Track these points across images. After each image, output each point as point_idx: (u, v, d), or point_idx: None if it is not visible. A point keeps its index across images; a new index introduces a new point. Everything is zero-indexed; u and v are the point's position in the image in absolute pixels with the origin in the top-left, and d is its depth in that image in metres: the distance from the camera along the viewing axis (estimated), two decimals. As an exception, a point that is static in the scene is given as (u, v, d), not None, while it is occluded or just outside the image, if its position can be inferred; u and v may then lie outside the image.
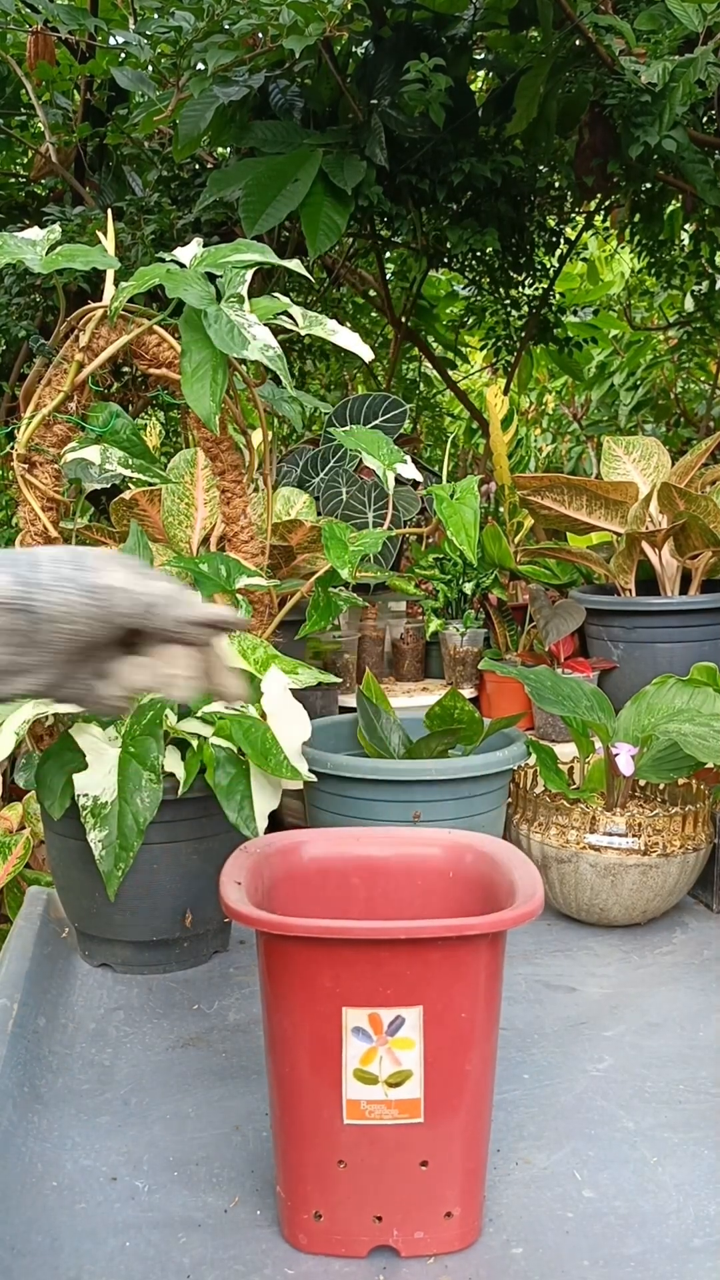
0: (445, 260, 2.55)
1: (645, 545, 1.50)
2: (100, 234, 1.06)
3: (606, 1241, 0.61)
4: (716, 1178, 0.67)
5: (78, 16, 1.77)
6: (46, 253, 0.96)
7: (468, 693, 1.57)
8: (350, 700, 1.43)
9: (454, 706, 1.08)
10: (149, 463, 1.00)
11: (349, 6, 1.71)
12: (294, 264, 1.05)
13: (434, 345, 3.00)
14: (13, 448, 1.01)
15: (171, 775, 0.90)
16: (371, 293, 2.84)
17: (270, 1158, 0.64)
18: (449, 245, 2.24)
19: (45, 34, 1.94)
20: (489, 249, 2.30)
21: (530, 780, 1.12)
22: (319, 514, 1.56)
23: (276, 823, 1.01)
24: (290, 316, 1.02)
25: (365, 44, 2.02)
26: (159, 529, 1.24)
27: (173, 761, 0.91)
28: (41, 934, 0.97)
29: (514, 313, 2.69)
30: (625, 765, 1.03)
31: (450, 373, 3.04)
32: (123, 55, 1.96)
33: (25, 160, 2.48)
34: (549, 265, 2.59)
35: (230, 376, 0.97)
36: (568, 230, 2.59)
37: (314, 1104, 0.59)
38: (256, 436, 1.16)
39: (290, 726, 0.93)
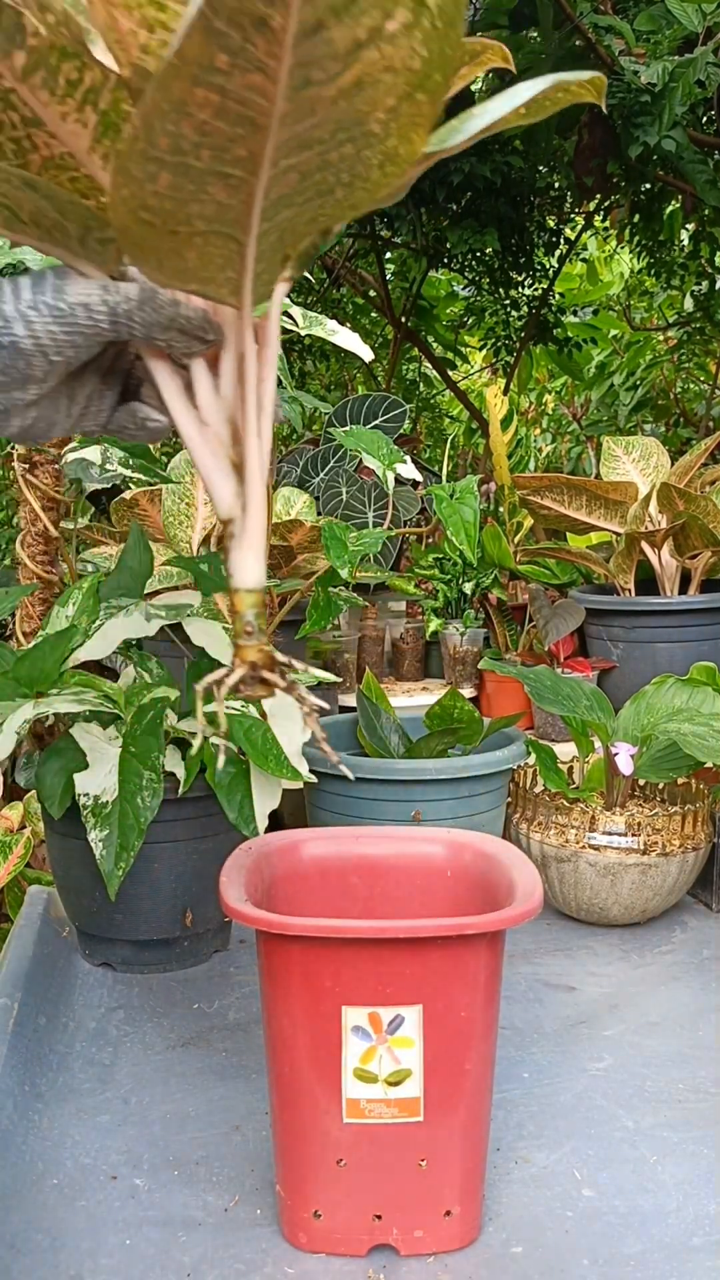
0: (445, 260, 2.55)
1: (645, 545, 1.50)
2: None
3: (606, 1240, 0.61)
4: (716, 1176, 0.67)
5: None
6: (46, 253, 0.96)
7: (467, 692, 1.57)
8: (350, 700, 1.43)
9: (454, 706, 1.09)
10: (149, 463, 1.00)
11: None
12: (294, 264, 1.05)
13: (434, 345, 3.00)
14: (13, 448, 1.02)
15: (172, 775, 0.90)
16: (371, 293, 2.84)
17: (270, 1157, 0.64)
18: (449, 245, 2.25)
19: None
20: (489, 249, 2.31)
21: (530, 780, 1.13)
22: (319, 514, 1.56)
23: (277, 822, 1.01)
24: (290, 316, 1.02)
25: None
26: (159, 529, 1.24)
27: (173, 761, 0.91)
28: (42, 933, 0.97)
29: (514, 313, 2.69)
30: (625, 765, 1.03)
31: (450, 373, 3.04)
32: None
33: (25, 160, 2.48)
34: (549, 265, 2.60)
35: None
36: (567, 230, 2.59)
37: (314, 1103, 0.59)
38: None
39: (290, 726, 0.93)
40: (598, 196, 2.28)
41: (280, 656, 0.58)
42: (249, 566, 0.57)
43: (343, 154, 0.44)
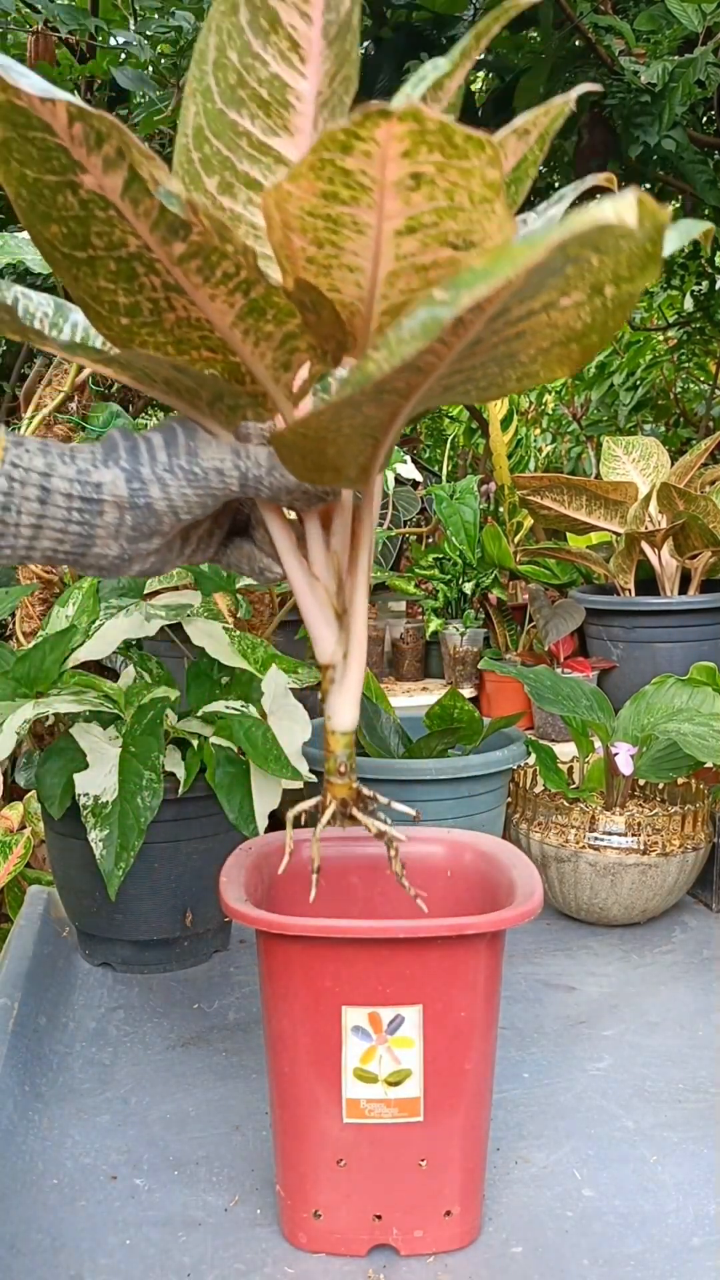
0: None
1: (645, 545, 1.50)
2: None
3: (606, 1240, 0.61)
4: (716, 1177, 0.67)
5: (78, 17, 1.77)
6: (46, 253, 0.96)
7: (467, 692, 1.57)
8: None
9: (454, 706, 1.09)
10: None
11: (349, 6, 1.71)
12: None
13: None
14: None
15: (172, 775, 0.90)
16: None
17: (270, 1157, 0.64)
18: (449, 245, 2.24)
19: (46, 34, 1.94)
20: (489, 249, 2.30)
21: (530, 780, 1.13)
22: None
23: (277, 822, 1.01)
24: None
25: (365, 44, 2.02)
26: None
27: (173, 761, 0.91)
28: (42, 933, 0.97)
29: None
30: (625, 765, 1.03)
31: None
32: (123, 55, 1.96)
33: (25, 160, 2.48)
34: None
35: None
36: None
37: (313, 1103, 0.59)
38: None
39: (290, 726, 0.93)
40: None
41: (365, 791, 0.60)
42: (345, 712, 0.60)
43: (487, 372, 0.48)
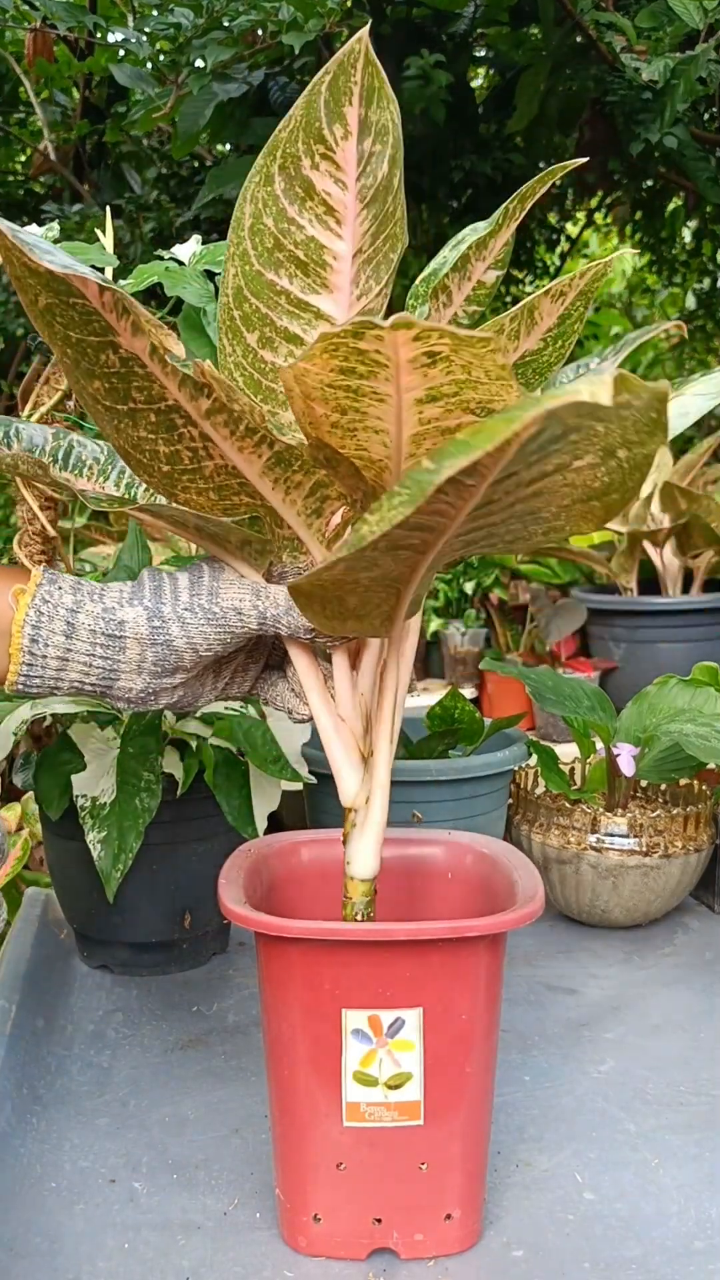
0: (446, 258, 2.54)
1: (647, 544, 1.50)
2: (99, 231, 1.06)
3: (607, 1244, 0.61)
4: (718, 1180, 0.67)
5: (76, 13, 1.76)
6: (45, 251, 0.96)
7: (468, 693, 1.57)
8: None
9: (454, 706, 1.08)
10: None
11: (348, 3, 1.71)
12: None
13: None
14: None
15: (170, 776, 0.90)
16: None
17: (269, 1160, 0.64)
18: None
19: (44, 31, 1.94)
20: (489, 247, 2.30)
21: (531, 781, 1.12)
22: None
23: (276, 824, 1.01)
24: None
25: (365, 41, 2.01)
26: (157, 528, 1.23)
27: (172, 762, 0.91)
28: (40, 935, 0.97)
29: (514, 311, 2.69)
30: (627, 766, 1.02)
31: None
32: (121, 52, 1.96)
33: (24, 158, 2.48)
34: (550, 263, 2.59)
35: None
36: (569, 227, 2.58)
37: (313, 1106, 0.59)
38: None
39: (290, 727, 0.93)
40: (599, 194, 2.28)
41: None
42: (366, 858, 0.60)
43: (510, 529, 0.49)
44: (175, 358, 0.47)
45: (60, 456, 0.62)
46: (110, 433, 0.53)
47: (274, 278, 0.53)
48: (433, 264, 0.59)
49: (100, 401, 0.51)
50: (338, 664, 0.59)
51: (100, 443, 0.64)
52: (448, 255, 0.56)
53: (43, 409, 1.00)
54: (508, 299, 2.64)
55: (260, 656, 0.63)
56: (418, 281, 0.60)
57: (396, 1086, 0.58)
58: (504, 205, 0.54)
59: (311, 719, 0.60)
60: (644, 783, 1.11)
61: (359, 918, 0.60)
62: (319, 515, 0.56)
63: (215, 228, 2.05)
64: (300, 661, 0.59)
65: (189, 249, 1.01)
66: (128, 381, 0.49)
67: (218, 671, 0.61)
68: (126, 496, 0.62)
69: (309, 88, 0.49)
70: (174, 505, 0.56)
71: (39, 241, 0.45)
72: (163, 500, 0.61)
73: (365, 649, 0.60)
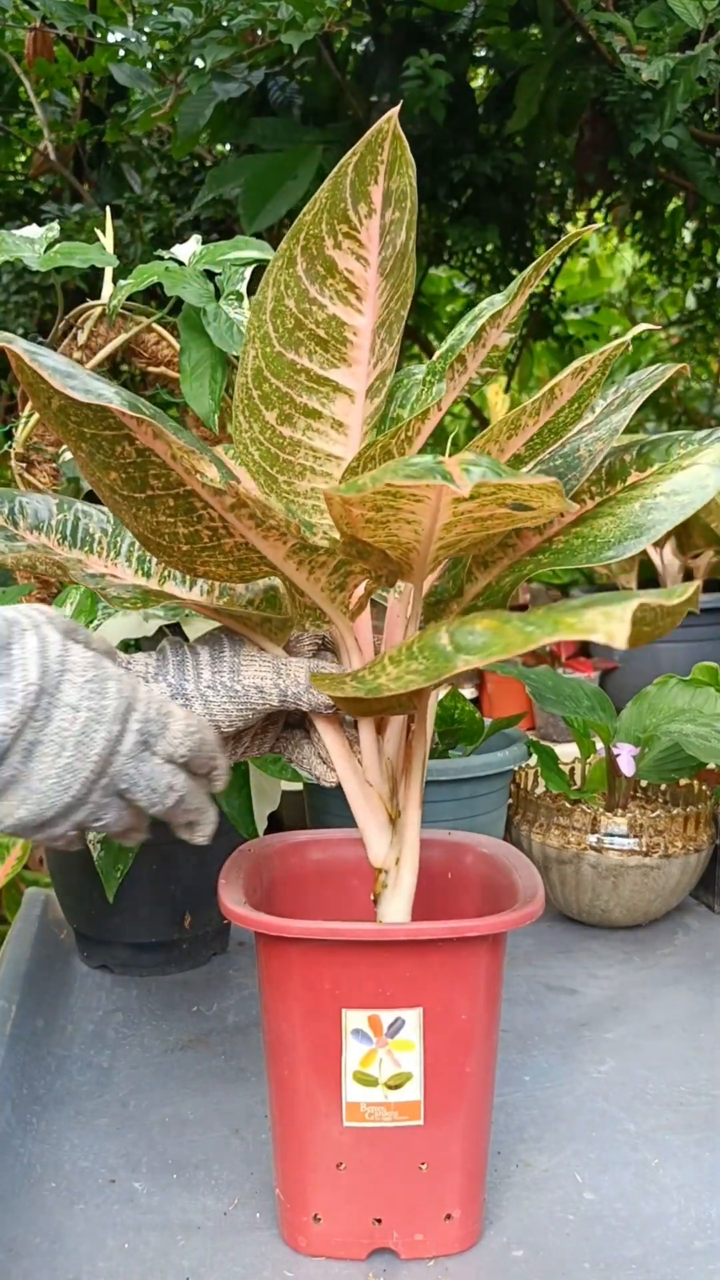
0: (445, 257, 2.54)
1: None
2: (99, 231, 1.06)
3: (607, 1244, 0.61)
4: (718, 1180, 0.67)
5: (76, 13, 1.76)
6: (45, 250, 0.96)
7: (468, 693, 1.57)
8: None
9: (454, 706, 1.08)
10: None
11: (348, 2, 1.71)
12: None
13: (434, 343, 2.99)
14: (11, 446, 1.01)
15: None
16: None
17: (269, 1160, 0.64)
18: (449, 242, 2.24)
19: (43, 31, 1.94)
20: (489, 246, 2.30)
21: (531, 781, 1.12)
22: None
23: (276, 824, 1.01)
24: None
25: (365, 41, 2.01)
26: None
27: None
28: (40, 935, 0.97)
29: (514, 311, 2.68)
30: (626, 766, 1.02)
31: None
32: (121, 52, 1.96)
33: (24, 158, 2.48)
34: (550, 262, 2.59)
35: (229, 374, 0.97)
36: (569, 227, 2.58)
37: (313, 1106, 0.59)
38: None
39: (290, 726, 0.93)
40: (599, 193, 2.28)
41: None
42: (398, 918, 0.61)
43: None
44: (208, 480, 0.47)
45: (68, 531, 0.62)
46: (128, 520, 0.53)
47: (294, 357, 0.53)
48: (449, 340, 0.60)
49: (117, 491, 0.51)
50: (363, 730, 0.60)
51: (105, 509, 0.64)
52: (464, 330, 0.57)
53: (42, 409, 1.00)
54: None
55: (279, 719, 0.63)
56: (435, 357, 0.61)
57: (396, 1086, 0.58)
58: (520, 275, 0.54)
59: (338, 784, 0.61)
60: (644, 783, 1.11)
61: None
62: (342, 589, 0.56)
63: (215, 228, 2.05)
64: (325, 731, 0.60)
65: (189, 249, 1.01)
66: (144, 470, 0.49)
67: (238, 739, 0.62)
68: (154, 588, 0.62)
69: (336, 169, 0.48)
70: (193, 594, 0.58)
71: (59, 365, 0.44)
72: (178, 576, 0.62)
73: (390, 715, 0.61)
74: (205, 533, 0.52)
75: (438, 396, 0.53)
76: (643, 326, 0.58)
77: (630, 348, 0.55)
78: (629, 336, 0.54)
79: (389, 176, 0.48)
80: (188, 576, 0.61)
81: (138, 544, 0.62)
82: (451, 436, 0.62)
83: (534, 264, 0.54)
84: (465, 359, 0.56)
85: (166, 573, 0.62)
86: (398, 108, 0.48)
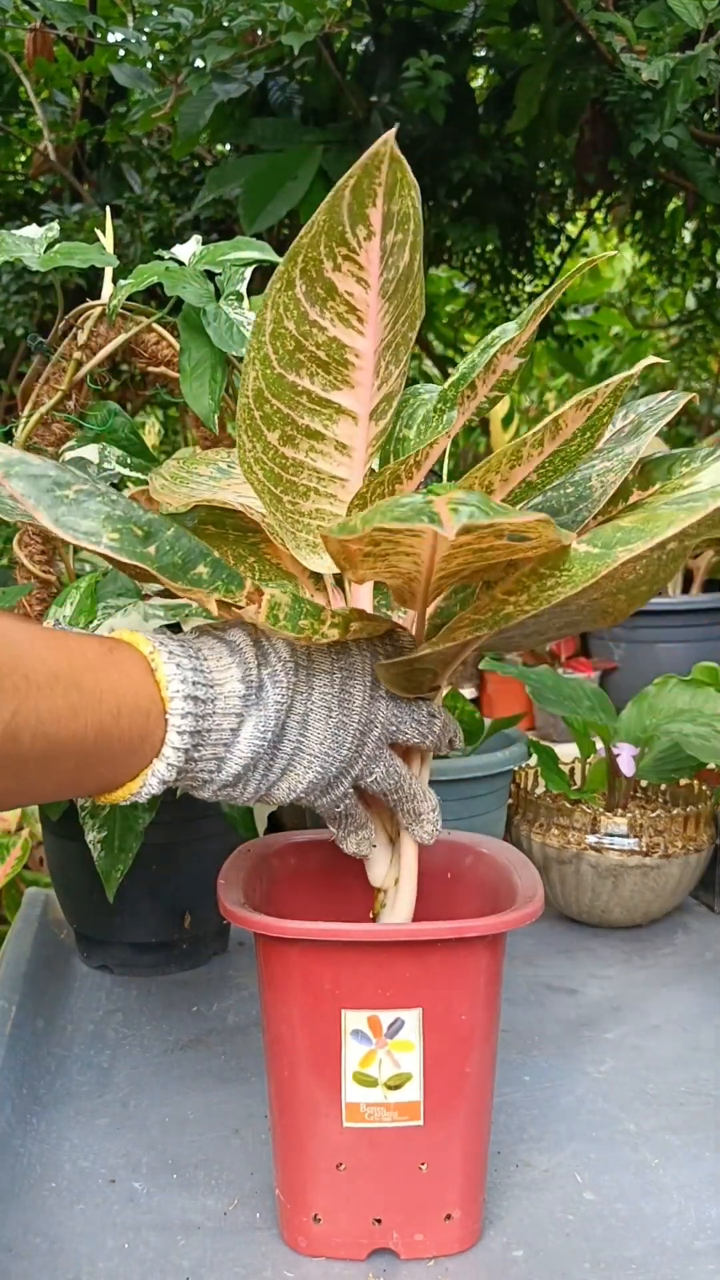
0: (445, 257, 2.54)
1: (646, 544, 1.50)
2: (99, 231, 1.06)
3: (608, 1244, 0.61)
4: (718, 1180, 0.67)
5: (76, 13, 1.76)
6: (45, 250, 0.96)
7: (468, 693, 1.57)
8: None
9: (454, 707, 1.08)
10: (148, 461, 0.99)
11: (348, 3, 1.71)
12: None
13: (434, 343, 2.99)
14: (10, 446, 1.01)
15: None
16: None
17: (269, 1161, 0.63)
18: (449, 242, 2.24)
19: (43, 31, 1.94)
20: (489, 246, 2.30)
21: (531, 781, 1.12)
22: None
23: (277, 824, 1.01)
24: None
25: (365, 41, 2.01)
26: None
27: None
28: (40, 935, 0.97)
29: (514, 310, 2.68)
30: (626, 766, 1.02)
31: (451, 371, 3.04)
32: (121, 52, 1.96)
33: (24, 158, 2.48)
34: (550, 262, 2.59)
35: (229, 375, 0.97)
36: (569, 227, 2.58)
37: (313, 1107, 0.59)
38: (256, 435, 1.16)
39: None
40: (599, 193, 2.28)
41: None
42: None
43: (533, 637, 0.58)
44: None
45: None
46: None
47: (295, 379, 0.53)
48: (461, 367, 0.60)
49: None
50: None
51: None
52: (477, 360, 0.57)
53: (43, 408, 1.00)
54: (507, 298, 2.64)
55: None
56: (446, 385, 0.60)
57: (396, 1087, 0.58)
58: (533, 304, 0.54)
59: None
60: (644, 783, 1.11)
61: None
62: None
63: (215, 228, 2.05)
64: None
65: (189, 249, 1.01)
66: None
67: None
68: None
69: (332, 192, 0.48)
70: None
71: (94, 532, 0.47)
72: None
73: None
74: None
75: (448, 425, 0.53)
76: (648, 361, 0.58)
77: (637, 380, 0.55)
78: (636, 369, 0.53)
79: (388, 199, 0.48)
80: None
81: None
82: (451, 437, 0.62)
83: (547, 292, 0.53)
84: (476, 386, 0.56)
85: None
86: (394, 130, 0.47)
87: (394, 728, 0.56)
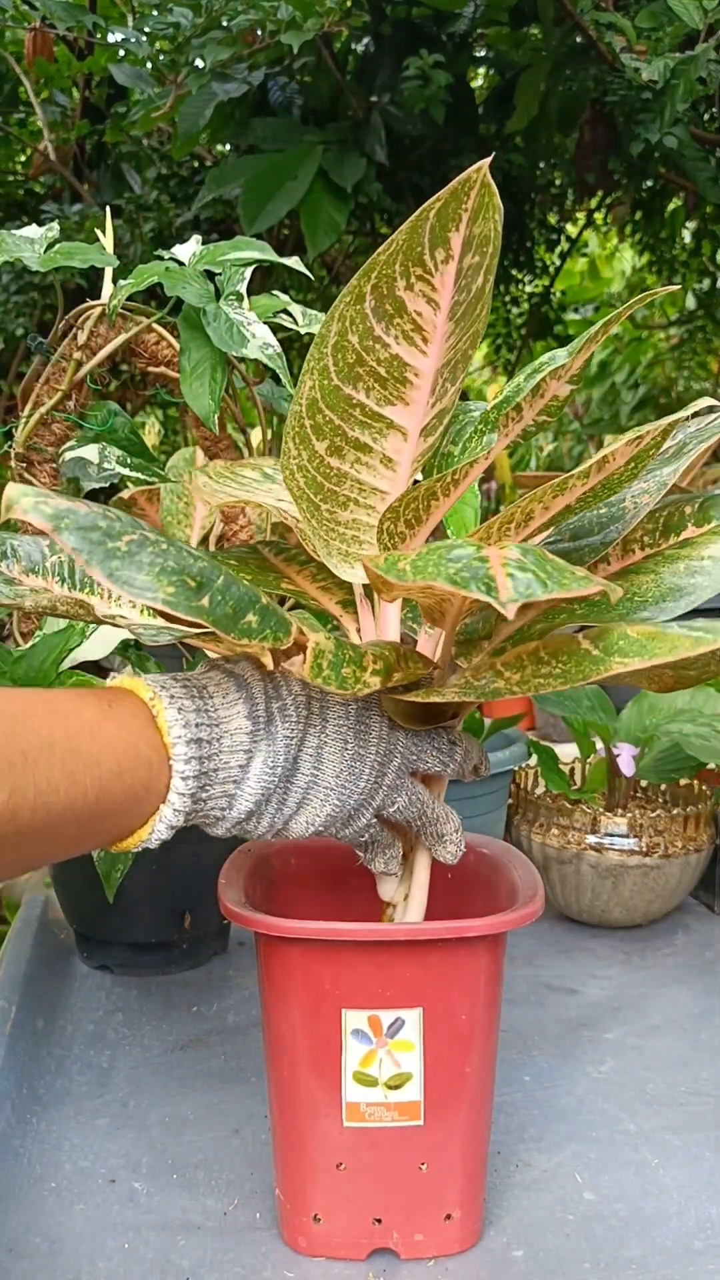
0: (445, 258, 2.54)
1: (646, 544, 1.50)
2: (99, 231, 1.06)
3: (607, 1244, 0.61)
4: (718, 1180, 0.67)
5: (76, 13, 1.76)
6: (45, 250, 0.96)
7: (468, 692, 1.56)
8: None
9: (454, 706, 1.08)
10: (147, 461, 0.99)
11: (348, 2, 1.71)
12: (293, 261, 1.04)
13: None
14: (10, 447, 1.01)
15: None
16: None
17: (269, 1160, 0.63)
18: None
19: (43, 31, 1.94)
20: (489, 246, 2.30)
21: (531, 781, 1.12)
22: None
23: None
24: (290, 314, 1.01)
25: (365, 41, 2.01)
26: (158, 528, 1.23)
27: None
28: (40, 936, 0.97)
29: (514, 310, 2.69)
30: (626, 766, 1.02)
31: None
32: (121, 52, 1.96)
33: (24, 158, 2.48)
34: (550, 262, 2.59)
35: (229, 375, 0.97)
36: (569, 227, 2.58)
37: (313, 1107, 0.59)
38: (256, 435, 1.16)
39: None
40: (599, 193, 2.28)
41: None
42: None
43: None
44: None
45: (65, 574, 0.60)
46: None
47: (351, 392, 0.53)
48: (507, 390, 0.60)
49: None
50: None
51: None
52: (522, 383, 0.56)
53: (43, 409, 1.00)
54: (506, 298, 2.64)
55: None
56: (489, 408, 0.60)
57: (396, 1087, 0.58)
58: (587, 332, 0.53)
59: None
60: (644, 783, 1.11)
61: None
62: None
63: (215, 228, 2.05)
64: None
65: (189, 249, 1.01)
66: None
67: None
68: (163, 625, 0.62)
69: (417, 213, 0.47)
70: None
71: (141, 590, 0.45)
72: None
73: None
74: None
75: (487, 446, 0.52)
76: (704, 402, 0.57)
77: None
78: (687, 412, 0.53)
79: (472, 223, 0.47)
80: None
81: None
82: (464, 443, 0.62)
83: (601, 323, 0.53)
84: (522, 409, 0.55)
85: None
86: (489, 160, 0.46)
87: (414, 757, 0.55)
